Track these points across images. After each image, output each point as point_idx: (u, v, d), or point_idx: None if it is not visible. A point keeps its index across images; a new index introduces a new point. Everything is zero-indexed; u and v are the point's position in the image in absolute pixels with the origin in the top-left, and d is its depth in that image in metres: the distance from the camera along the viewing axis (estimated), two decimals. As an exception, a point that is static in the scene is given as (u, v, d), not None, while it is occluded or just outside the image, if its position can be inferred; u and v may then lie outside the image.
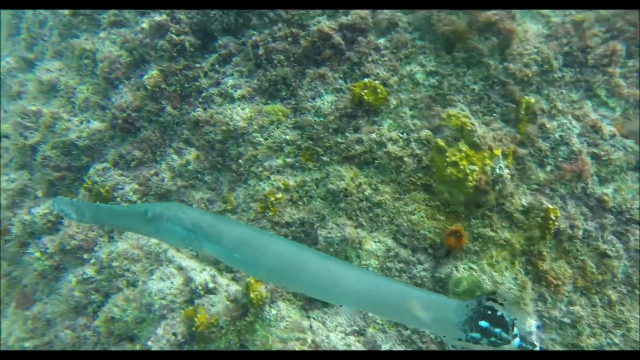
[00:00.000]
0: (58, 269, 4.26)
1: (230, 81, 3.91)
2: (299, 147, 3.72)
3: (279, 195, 3.67)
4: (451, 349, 2.49)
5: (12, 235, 4.47)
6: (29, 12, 5.70)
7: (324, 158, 3.63)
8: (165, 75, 3.96)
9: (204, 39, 4.02)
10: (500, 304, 2.38)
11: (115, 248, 3.94)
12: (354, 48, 3.62)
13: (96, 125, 4.24)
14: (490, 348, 2.38)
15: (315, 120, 3.62)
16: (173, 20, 3.93)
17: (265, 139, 3.72)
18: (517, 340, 2.36)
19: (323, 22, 3.64)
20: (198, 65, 4.01)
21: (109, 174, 4.13)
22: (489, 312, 2.37)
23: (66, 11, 4.62)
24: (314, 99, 3.66)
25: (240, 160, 3.80)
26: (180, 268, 3.83)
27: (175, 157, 4.07)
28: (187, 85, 4.04)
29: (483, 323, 2.36)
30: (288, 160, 3.73)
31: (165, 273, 3.75)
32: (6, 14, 6.06)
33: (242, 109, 3.78)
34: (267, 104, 3.80)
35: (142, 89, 3.98)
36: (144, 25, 3.95)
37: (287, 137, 3.70)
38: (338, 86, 3.64)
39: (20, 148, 4.66)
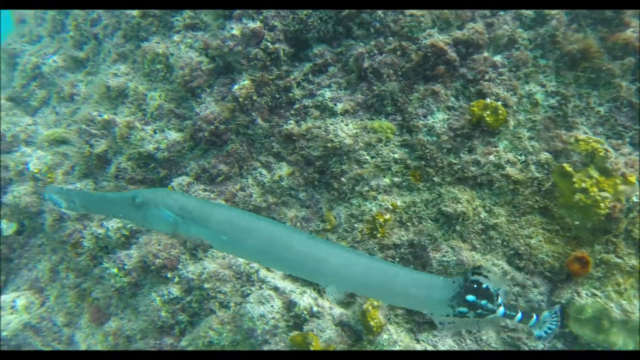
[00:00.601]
0: (136, 286, 4.02)
1: (328, 93, 3.64)
2: (407, 166, 3.50)
3: (387, 216, 3.48)
4: (439, 326, 2.50)
5: (84, 249, 4.19)
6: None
7: (435, 179, 3.44)
8: (257, 85, 3.67)
9: (296, 47, 3.74)
10: (485, 277, 2.38)
11: (205, 268, 3.70)
12: (468, 64, 3.40)
13: (174, 135, 3.92)
14: (477, 319, 2.40)
15: (427, 140, 3.42)
16: (266, 27, 3.63)
17: (372, 157, 3.50)
18: (502, 309, 2.38)
19: (435, 35, 3.40)
20: (291, 75, 3.74)
21: (193, 188, 3.86)
22: (475, 286, 2.38)
23: (135, 12, 4.24)
24: (425, 116, 3.44)
25: (343, 179, 3.57)
26: (276, 289, 3.64)
27: (264, 171, 3.81)
28: (277, 96, 3.76)
29: (470, 297, 2.38)
30: (395, 179, 3.52)
31: (264, 296, 3.54)
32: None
33: (346, 125, 3.54)
34: (371, 119, 3.57)
35: (230, 100, 3.69)
36: (235, 32, 3.62)
37: (395, 156, 3.49)
38: (450, 104, 3.44)
39: (85, 156, 4.33)
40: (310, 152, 3.64)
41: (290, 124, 3.72)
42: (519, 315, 2.43)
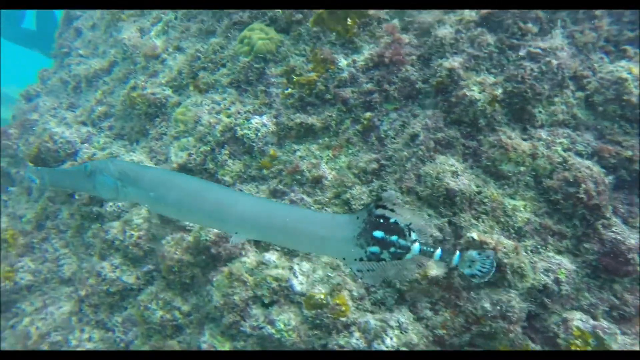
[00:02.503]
0: None
1: None
2: None
3: None
4: (358, 274, 2.25)
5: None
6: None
7: None
8: (687, 211, 3.05)
9: None
10: (392, 210, 2.17)
11: None
12: None
13: (567, 263, 3.05)
14: (395, 261, 2.17)
15: None
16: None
17: None
18: (417, 245, 2.16)
19: None
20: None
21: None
22: (382, 221, 2.16)
23: (477, 94, 3.23)
24: None
25: None
26: None
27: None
28: (684, 219, 3.17)
29: (377, 233, 2.16)
30: None
31: None
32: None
33: None
34: None
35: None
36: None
37: None
38: None
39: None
40: None
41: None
42: (439, 251, 2.14)
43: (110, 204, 4.32)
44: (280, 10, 4.13)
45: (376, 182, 3.62)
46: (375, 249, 2.15)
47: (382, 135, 3.68)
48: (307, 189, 3.77)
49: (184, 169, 4.13)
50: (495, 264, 2.21)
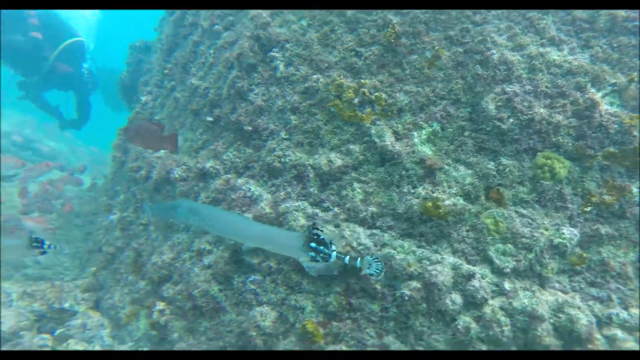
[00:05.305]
0: None
1: None
2: None
3: None
4: (307, 269, 3.90)
5: None
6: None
7: None
8: None
9: None
10: (321, 231, 3.65)
11: None
12: None
13: None
14: (324, 262, 3.68)
15: None
16: None
17: None
18: (334, 253, 3.65)
19: None
20: None
21: None
22: (315, 237, 3.65)
23: None
24: None
25: None
26: None
27: None
28: None
29: (312, 244, 3.66)
30: None
31: None
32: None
33: None
34: None
35: None
36: None
37: None
38: None
39: None
40: None
41: None
42: (347, 258, 3.65)
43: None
44: (571, 144, 5.38)
45: (656, 274, 5.33)
46: (312, 253, 3.66)
47: (661, 239, 5.34)
48: (619, 280, 5.34)
49: (514, 271, 5.35)
50: (383, 265, 3.69)
